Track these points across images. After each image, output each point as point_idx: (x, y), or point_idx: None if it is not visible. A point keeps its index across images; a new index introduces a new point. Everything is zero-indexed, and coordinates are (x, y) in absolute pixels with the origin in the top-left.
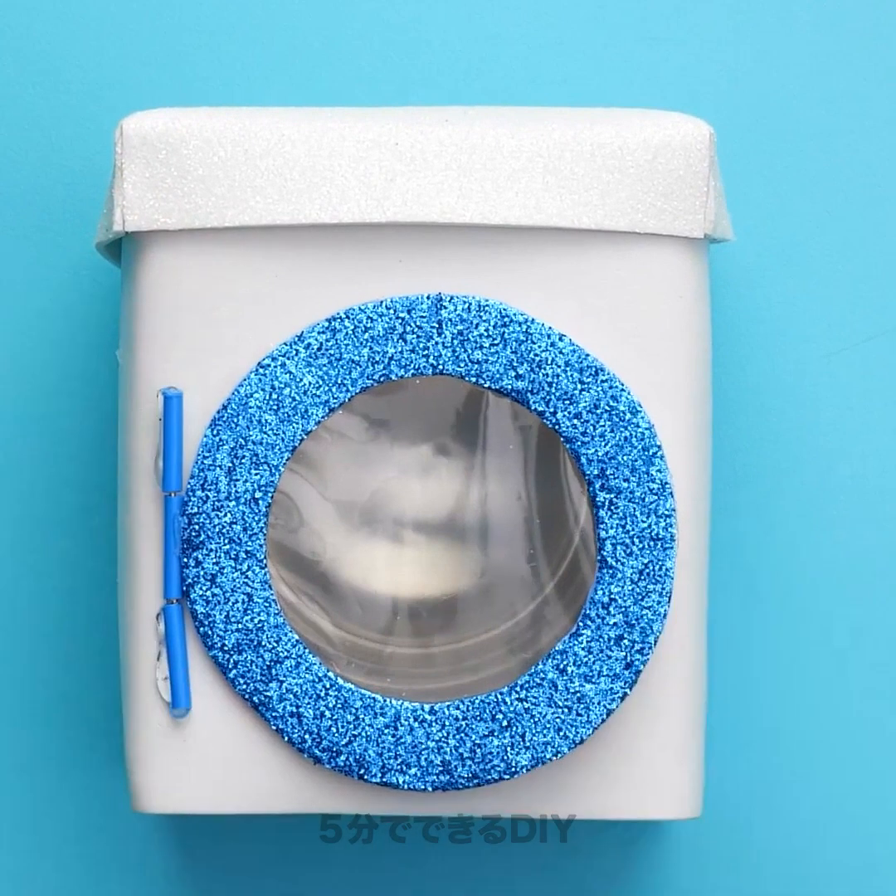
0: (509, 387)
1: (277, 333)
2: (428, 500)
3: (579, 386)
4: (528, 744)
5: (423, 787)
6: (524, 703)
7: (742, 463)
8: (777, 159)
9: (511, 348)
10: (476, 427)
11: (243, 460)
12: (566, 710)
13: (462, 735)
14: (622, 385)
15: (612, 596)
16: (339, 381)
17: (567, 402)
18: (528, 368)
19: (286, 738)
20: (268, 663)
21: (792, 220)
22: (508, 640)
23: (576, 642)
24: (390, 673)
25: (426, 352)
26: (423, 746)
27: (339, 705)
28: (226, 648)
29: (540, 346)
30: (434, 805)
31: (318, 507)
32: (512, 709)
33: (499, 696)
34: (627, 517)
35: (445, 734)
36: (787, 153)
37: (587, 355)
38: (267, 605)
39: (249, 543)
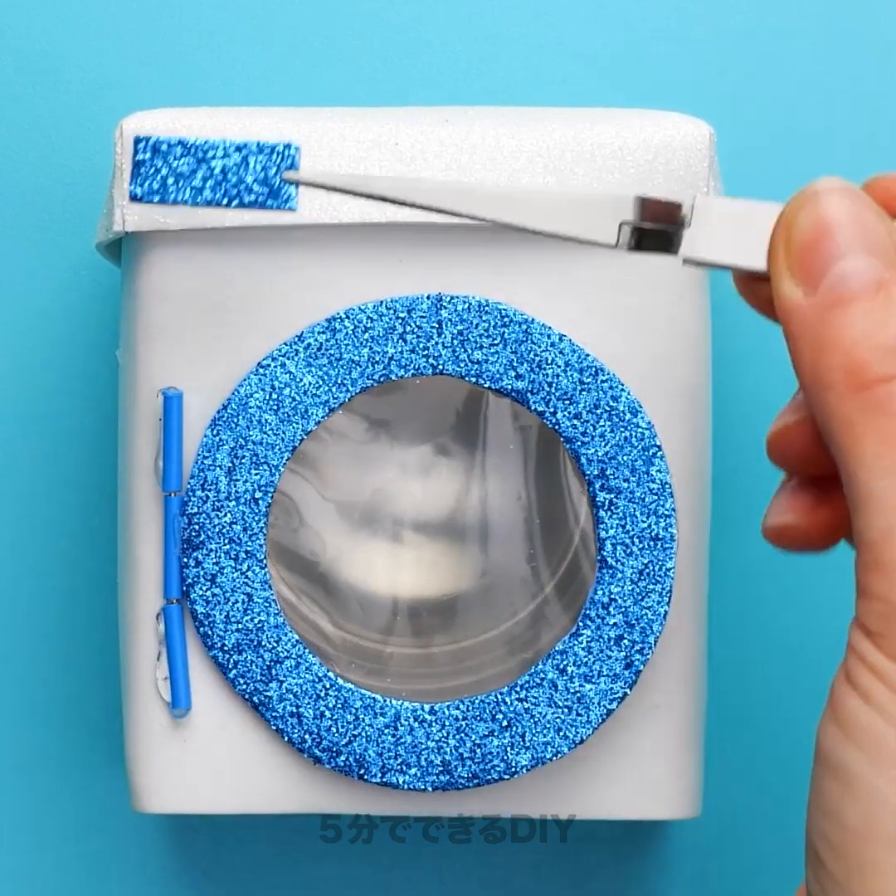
0: (509, 387)
1: (277, 333)
2: (428, 500)
3: (579, 386)
4: (528, 744)
5: (423, 787)
6: (524, 703)
7: (742, 463)
8: (777, 159)
9: (511, 348)
10: (476, 427)
11: (243, 460)
12: (566, 710)
13: (462, 735)
14: (622, 385)
15: (612, 596)
16: (339, 381)
17: (567, 402)
18: (528, 368)
19: (286, 738)
20: (268, 663)
21: None
22: (508, 640)
23: (576, 642)
24: (390, 673)
25: (426, 352)
26: (423, 746)
27: (339, 705)
28: (226, 648)
29: (540, 346)
30: (434, 805)
31: (318, 507)
32: (512, 709)
33: (499, 696)
34: (627, 517)
35: (445, 734)
36: (787, 153)
37: (587, 355)
38: (267, 605)
39: (249, 543)
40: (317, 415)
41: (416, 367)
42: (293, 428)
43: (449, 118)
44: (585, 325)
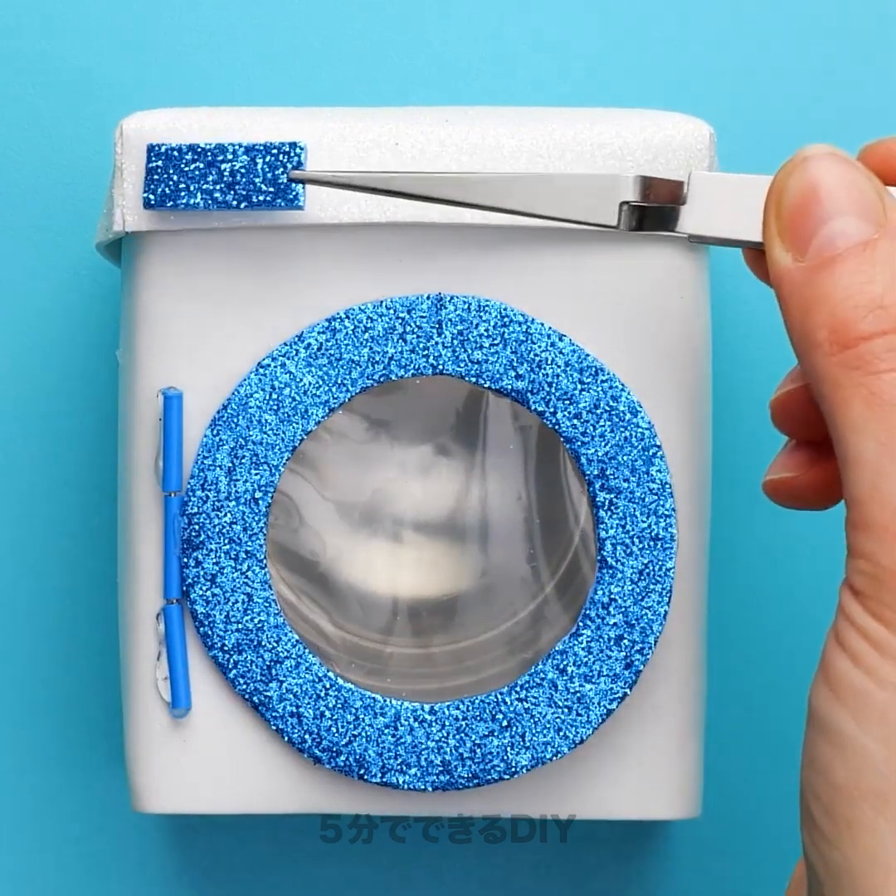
0: (509, 387)
1: (277, 333)
2: (428, 500)
3: (579, 386)
4: (528, 744)
5: (423, 787)
6: (524, 703)
7: (742, 463)
8: (777, 159)
9: (511, 348)
10: (476, 427)
11: (243, 460)
12: (566, 710)
13: (462, 735)
14: (622, 385)
15: (612, 596)
16: (339, 381)
17: (567, 402)
18: (528, 368)
19: (286, 738)
20: (268, 663)
21: None
22: (508, 640)
23: (576, 642)
24: (390, 673)
25: (426, 352)
26: (423, 746)
27: (339, 705)
28: (226, 648)
29: (540, 346)
30: (434, 805)
31: (318, 507)
32: (512, 709)
33: (499, 696)
34: (627, 517)
35: (445, 734)
36: (787, 153)
37: (587, 355)
38: (267, 605)
39: (249, 543)
40: (317, 415)
41: (416, 367)
42: (293, 428)
43: (449, 118)
44: (585, 325)
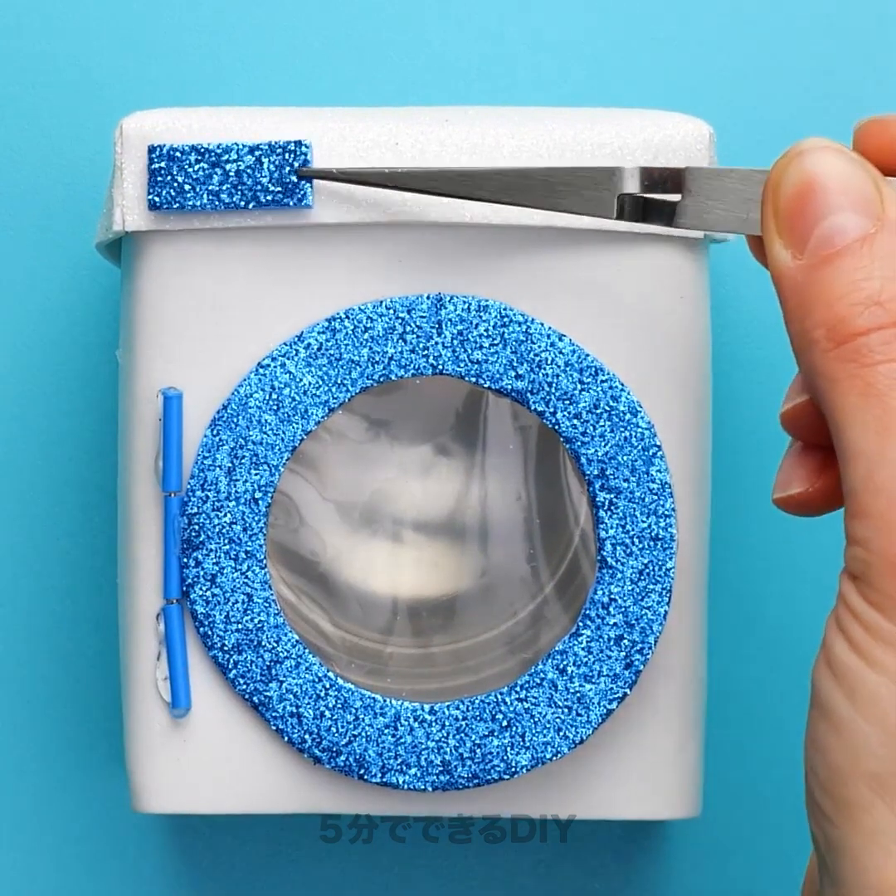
0: (509, 387)
1: (277, 333)
2: (428, 500)
3: (579, 386)
4: (528, 744)
5: (423, 787)
6: (524, 703)
7: (742, 463)
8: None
9: (511, 348)
10: (476, 427)
11: (243, 460)
12: (566, 710)
13: (462, 735)
14: (622, 385)
15: (612, 596)
16: (339, 382)
17: (567, 402)
18: (528, 368)
19: (286, 738)
20: (268, 663)
21: None
22: (508, 640)
23: (576, 642)
24: (390, 673)
25: (426, 352)
26: (423, 746)
27: (339, 705)
28: (226, 648)
29: (540, 346)
30: (434, 805)
31: (318, 507)
32: (512, 709)
33: (499, 696)
34: (627, 517)
35: (445, 734)
36: None
37: (587, 355)
38: (267, 605)
39: (249, 543)
40: (317, 415)
41: (416, 367)
42: (293, 428)
43: (449, 118)
44: (585, 325)
